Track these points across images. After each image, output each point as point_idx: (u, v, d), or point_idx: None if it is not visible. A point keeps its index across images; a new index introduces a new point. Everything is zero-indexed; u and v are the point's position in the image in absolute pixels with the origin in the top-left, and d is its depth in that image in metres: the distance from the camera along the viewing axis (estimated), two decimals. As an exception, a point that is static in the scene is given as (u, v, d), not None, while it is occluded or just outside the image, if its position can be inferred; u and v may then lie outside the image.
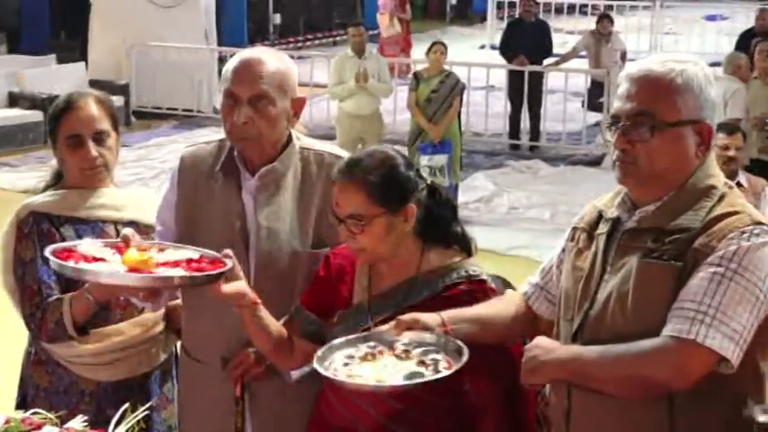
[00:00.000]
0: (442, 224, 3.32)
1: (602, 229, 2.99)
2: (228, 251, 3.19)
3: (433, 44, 11.91)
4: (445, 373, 2.90)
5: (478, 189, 12.56)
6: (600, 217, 3.03)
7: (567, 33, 21.77)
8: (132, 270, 3.06)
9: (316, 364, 2.98)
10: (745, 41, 14.13)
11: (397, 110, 14.31)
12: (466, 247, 3.35)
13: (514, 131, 15.23)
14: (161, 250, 3.23)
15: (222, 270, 3.12)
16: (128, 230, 3.32)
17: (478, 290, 3.25)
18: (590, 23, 16.77)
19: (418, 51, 19.50)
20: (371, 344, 3.05)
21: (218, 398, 3.58)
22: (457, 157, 11.42)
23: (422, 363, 2.94)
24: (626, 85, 2.91)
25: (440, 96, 11.38)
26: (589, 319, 2.92)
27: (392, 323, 3.05)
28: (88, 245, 3.23)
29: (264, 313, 3.28)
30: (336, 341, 3.09)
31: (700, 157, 2.91)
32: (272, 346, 3.38)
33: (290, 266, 3.50)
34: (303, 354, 3.37)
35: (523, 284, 3.29)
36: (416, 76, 11.76)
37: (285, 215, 3.53)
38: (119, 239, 3.30)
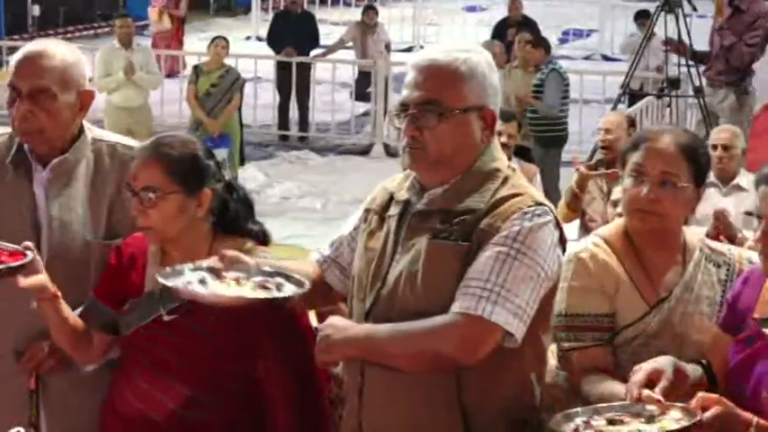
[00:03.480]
0: (236, 219, 3.38)
1: (393, 211, 3.09)
2: (28, 243, 3.17)
3: (215, 38, 12.02)
4: (298, 290, 2.96)
5: (249, 180, 12.55)
6: (391, 199, 3.12)
7: (332, 24, 21.91)
8: None
9: (161, 278, 2.99)
10: (500, 30, 14.63)
11: (164, 102, 14.20)
12: (261, 240, 3.41)
13: (283, 122, 15.33)
14: None
15: (23, 262, 3.09)
16: None
17: None
18: (355, 15, 16.99)
19: (185, 45, 19.38)
20: (203, 274, 3.03)
21: (11, 391, 3.53)
22: (236, 150, 11.49)
23: (262, 287, 2.97)
24: (413, 74, 3.01)
25: (219, 91, 11.44)
26: (381, 298, 3.01)
27: (215, 257, 3.06)
28: None
29: (64, 306, 3.27)
30: (175, 268, 3.06)
31: (485, 141, 3.04)
32: (72, 340, 3.37)
33: (83, 257, 3.49)
34: (101, 346, 3.41)
35: (313, 254, 3.34)
36: (196, 69, 11.77)
37: (77, 206, 3.52)
38: None
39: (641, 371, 2.76)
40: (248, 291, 2.95)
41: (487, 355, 2.87)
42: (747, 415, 2.70)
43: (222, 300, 2.94)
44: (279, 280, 3.01)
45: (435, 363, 2.89)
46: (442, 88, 2.97)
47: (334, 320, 3.03)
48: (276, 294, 2.95)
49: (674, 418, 2.64)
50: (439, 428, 2.97)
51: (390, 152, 14.12)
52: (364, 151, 14.51)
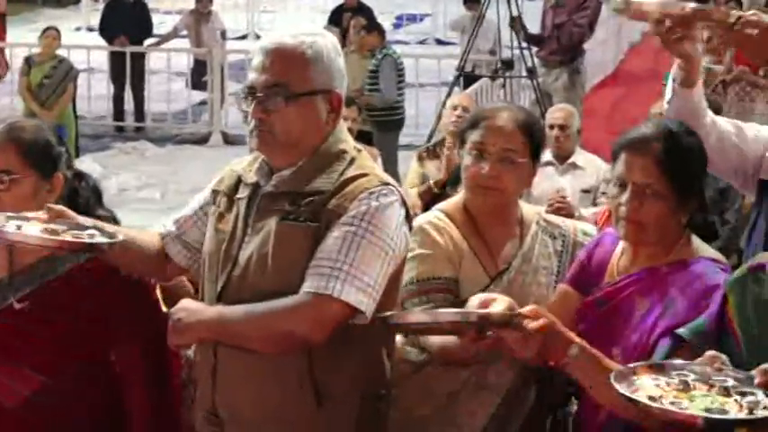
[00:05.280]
0: (87, 206, 3.36)
1: (242, 193, 3.12)
2: None
3: (46, 29, 11.87)
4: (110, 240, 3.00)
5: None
6: (239, 181, 3.15)
7: (164, 14, 21.64)
8: None
9: None
10: (336, 16, 14.67)
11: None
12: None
13: (119, 113, 15.13)
14: None
15: None
16: None
17: None
18: (188, 3, 16.84)
19: (11, 37, 18.87)
20: (21, 222, 3.03)
21: None
22: (72, 142, 11.33)
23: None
24: (260, 58, 3.05)
25: (53, 82, 11.30)
26: (232, 280, 3.05)
27: (42, 211, 3.06)
28: None
29: None
30: None
31: (331, 124, 3.09)
32: None
33: None
34: None
35: (157, 226, 3.35)
36: (28, 61, 11.59)
37: None
38: None
39: (476, 297, 2.79)
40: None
41: (338, 333, 2.93)
42: (572, 335, 2.74)
43: (29, 240, 2.95)
44: (91, 232, 3.03)
45: (287, 342, 2.93)
46: (288, 71, 3.01)
47: (187, 303, 3.05)
48: (86, 240, 2.98)
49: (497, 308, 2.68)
50: (292, 406, 3.02)
51: (229, 140, 14.09)
52: (202, 140, 14.42)
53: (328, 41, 3.09)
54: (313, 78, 3.03)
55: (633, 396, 2.41)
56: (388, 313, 2.89)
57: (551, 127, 7.32)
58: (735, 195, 5.97)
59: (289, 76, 3.01)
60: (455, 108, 7.73)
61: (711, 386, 2.44)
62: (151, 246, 3.27)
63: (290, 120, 3.01)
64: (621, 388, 2.44)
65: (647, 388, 2.44)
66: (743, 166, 3.46)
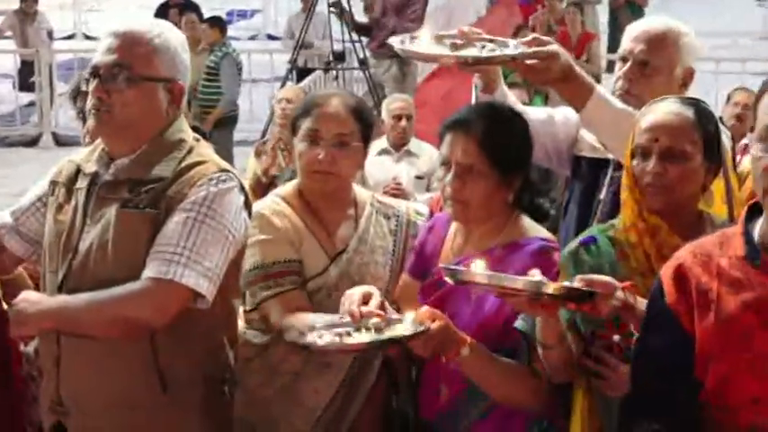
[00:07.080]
0: None
1: (81, 183, 3.14)
2: None
3: None
4: None
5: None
6: (78, 172, 3.16)
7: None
8: None
9: None
10: (162, 13, 14.49)
11: None
12: None
13: (-55, 117, 14.76)
14: None
15: None
16: None
17: None
18: (11, 3, 16.48)
19: None
20: None
21: None
22: None
23: None
24: (108, 40, 3.09)
25: None
26: (73, 270, 3.06)
27: None
28: None
29: None
30: None
31: (171, 113, 3.14)
32: None
33: None
34: None
35: None
36: None
37: None
38: None
39: (355, 293, 2.93)
40: None
41: (180, 318, 2.98)
42: (463, 335, 2.90)
43: None
44: None
45: (130, 328, 2.96)
46: (134, 54, 3.07)
47: (27, 295, 3.06)
48: None
49: (405, 326, 2.81)
50: (138, 391, 3.05)
51: (60, 141, 13.87)
52: (32, 142, 14.18)
53: (176, 35, 3.17)
54: (157, 65, 3.08)
55: None
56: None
57: (399, 118, 7.45)
58: (556, 175, 6.21)
59: (133, 58, 3.06)
60: (279, 101, 7.84)
61: None
62: None
63: (130, 101, 3.05)
64: None
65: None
66: (557, 147, 3.74)
